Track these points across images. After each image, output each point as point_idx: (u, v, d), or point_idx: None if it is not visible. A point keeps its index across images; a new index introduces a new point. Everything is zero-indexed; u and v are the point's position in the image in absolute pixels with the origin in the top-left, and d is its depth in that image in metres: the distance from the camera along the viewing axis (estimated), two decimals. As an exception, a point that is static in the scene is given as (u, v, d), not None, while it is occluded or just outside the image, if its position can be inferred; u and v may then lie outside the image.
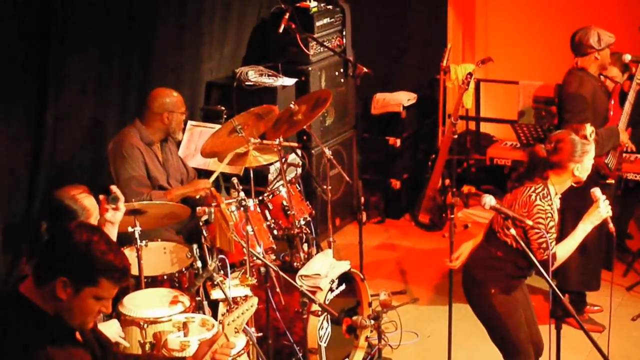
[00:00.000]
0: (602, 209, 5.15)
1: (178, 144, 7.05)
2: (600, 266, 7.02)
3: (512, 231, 4.91)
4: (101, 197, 5.39)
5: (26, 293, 3.47)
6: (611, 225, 5.22)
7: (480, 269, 5.33)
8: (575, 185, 5.24)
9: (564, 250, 5.15)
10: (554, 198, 5.15)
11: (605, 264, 7.31)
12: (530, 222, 4.98)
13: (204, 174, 7.16)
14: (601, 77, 6.92)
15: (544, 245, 5.03)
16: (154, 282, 5.87)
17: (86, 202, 5.12)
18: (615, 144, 6.76)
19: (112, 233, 5.33)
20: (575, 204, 5.78)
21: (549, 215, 5.05)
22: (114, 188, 5.44)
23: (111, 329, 5.13)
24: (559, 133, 5.25)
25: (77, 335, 3.60)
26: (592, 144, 5.19)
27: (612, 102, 6.93)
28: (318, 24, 8.31)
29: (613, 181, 6.81)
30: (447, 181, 8.71)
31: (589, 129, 5.20)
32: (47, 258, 3.47)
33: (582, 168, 5.15)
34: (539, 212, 5.04)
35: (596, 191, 5.20)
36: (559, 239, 5.21)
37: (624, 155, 7.48)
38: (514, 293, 5.31)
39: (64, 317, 3.46)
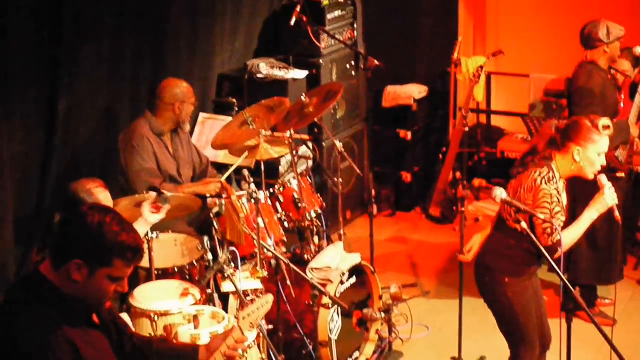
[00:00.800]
0: (607, 197, 5.09)
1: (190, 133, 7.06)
2: (613, 259, 7.00)
3: (523, 224, 4.89)
4: (153, 193, 5.42)
5: (46, 273, 3.51)
6: (617, 213, 5.17)
7: (493, 257, 5.32)
8: (582, 177, 5.22)
9: (569, 237, 5.10)
10: (559, 181, 5.12)
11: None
12: (542, 215, 4.97)
13: (214, 166, 7.17)
14: (612, 70, 6.92)
15: (549, 230, 5.01)
16: (165, 274, 5.88)
17: (101, 196, 5.16)
18: (626, 138, 6.74)
19: (142, 231, 5.38)
20: (586, 193, 5.76)
21: (555, 200, 5.02)
22: (167, 193, 5.56)
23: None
24: (575, 116, 5.23)
25: (95, 317, 3.64)
26: (602, 136, 5.11)
27: (623, 95, 6.92)
28: (329, 16, 8.31)
29: (623, 175, 6.80)
30: (458, 174, 8.71)
31: (605, 121, 5.16)
32: (62, 241, 3.51)
33: (584, 155, 5.07)
34: (545, 196, 5.01)
35: (602, 178, 5.16)
36: (568, 225, 5.20)
37: (635, 148, 7.46)
38: (527, 283, 5.31)
39: (81, 299, 3.49)
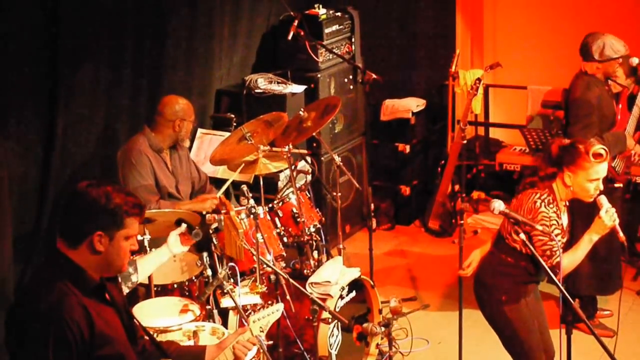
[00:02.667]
0: (605, 219, 5.08)
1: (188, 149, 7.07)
2: (613, 269, 7.00)
3: (522, 236, 4.90)
4: (184, 227, 5.44)
5: (62, 250, 3.80)
6: (621, 234, 5.15)
7: (490, 275, 5.33)
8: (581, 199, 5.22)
9: (569, 260, 5.09)
10: (559, 203, 5.13)
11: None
12: (540, 227, 4.98)
13: (213, 181, 7.18)
14: (609, 81, 6.92)
15: (548, 252, 5.02)
16: (164, 290, 5.90)
17: None
18: (622, 149, 6.75)
19: (162, 260, 5.35)
20: (586, 210, 5.75)
21: (554, 222, 5.03)
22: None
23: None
24: (575, 138, 5.22)
25: (107, 295, 3.91)
26: (592, 163, 5.04)
27: (620, 106, 6.93)
28: (327, 30, 8.33)
29: (621, 185, 6.80)
30: (457, 187, 8.71)
31: (597, 149, 5.05)
32: (76, 221, 3.80)
33: (575, 181, 5.07)
34: (543, 218, 5.02)
35: (601, 198, 5.14)
36: (569, 244, 5.20)
37: (633, 159, 7.48)
38: (525, 299, 5.31)
39: (104, 268, 3.85)
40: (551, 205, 5.06)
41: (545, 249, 5.02)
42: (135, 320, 4.10)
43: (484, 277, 5.36)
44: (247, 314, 5.67)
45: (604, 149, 5.12)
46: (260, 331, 4.41)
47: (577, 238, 5.24)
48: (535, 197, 5.09)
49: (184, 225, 5.50)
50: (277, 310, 4.53)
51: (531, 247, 4.93)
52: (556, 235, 5.01)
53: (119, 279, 5.22)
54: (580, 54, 6.78)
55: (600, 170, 5.09)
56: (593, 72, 6.71)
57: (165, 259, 5.41)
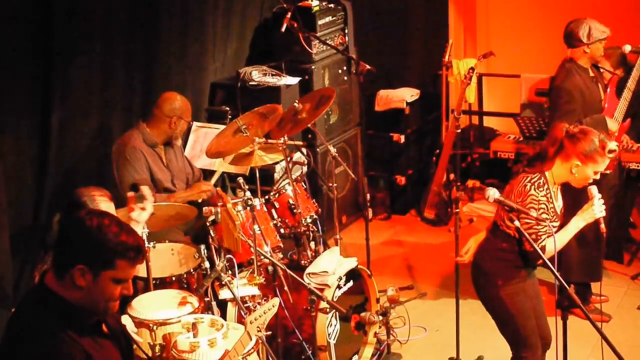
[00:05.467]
0: (596, 209, 5.14)
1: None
2: (600, 257, 7.05)
3: (517, 223, 4.92)
4: (130, 194, 5.47)
5: (51, 285, 3.49)
6: (603, 226, 5.20)
7: (487, 260, 5.37)
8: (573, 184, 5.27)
9: (554, 244, 5.10)
10: (551, 187, 5.15)
11: (615, 255, 7.36)
12: (534, 214, 5.01)
13: (209, 174, 7.20)
14: (598, 69, 6.97)
15: (533, 236, 5.05)
16: (163, 283, 5.90)
17: (102, 205, 5.19)
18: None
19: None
20: (572, 193, 5.80)
21: (542, 206, 5.07)
22: (143, 188, 5.57)
23: (124, 326, 5.19)
24: (589, 129, 5.23)
25: (104, 327, 3.62)
26: (604, 158, 5.13)
27: (608, 91, 6.97)
28: (320, 22, 8.33)
29: (609, 171, 6.83)
30: (452, 176, 8.76)
31: (612, 146, 5.15)
32: (62, 249, 3.49)
33: (582, 171, 5.12)
34: (532, 202, 5.06)
35: (593, 189, 5.20)
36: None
37: (624, 144, 7.52)
38: (521, 284, 5.34)
39: (88, 306, 3.47)
40: (541, 189, 5.10)
41: (531, 232, 5.05)
42: (131, 341, 3.92)
43: (481, 262, 5.40)
44: (244, 305, 5.70)
45: (617, 144, 5.20)
46: (258, 331, 4.38)
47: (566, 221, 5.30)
48: (525, 180, 5.13)
49: (131, 193, 5.53)
50: (272, 306, 4.49)
51: (525, 234, 4.94)
52: (544, 220, 5.05)
53: None
54: (565, 42, 6.83)
55: (606, 164, 5.18)
56: (578, 57, 6.78)
57: (140, 230, 5.44)
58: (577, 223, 5.19)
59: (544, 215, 5.06)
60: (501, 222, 5.25)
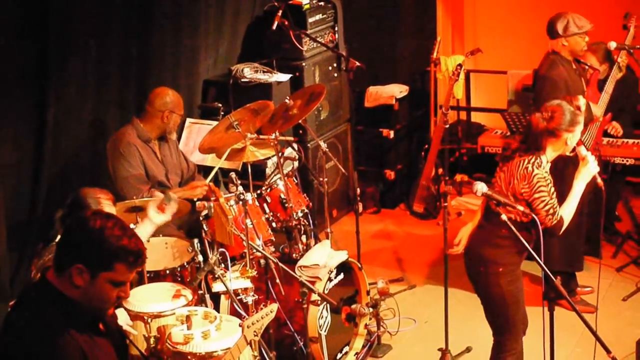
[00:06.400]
0: (590, 165, 5.30)
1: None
2: (581, 247, 7.12)
3: (504, 217, 4.96)
4: (160, 194, 5.53)
5: (51, 279, 3.53)
6: (599, 180, 5.35)
7: (486, 248, 5.37)
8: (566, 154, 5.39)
9: (567, 210, 5.27)
10: (546, 166, 5.26)
11: (593, 251, 7.42)
12: (521, 208, 5.09)
13: (202, 169, 7.24)
14: (580, 64, 7.05)
15: (551, 211, 5.16)
16: (157, 276, 5.93)
17: (107, 209, 5.25)
18: (589, 117, 6.79)
19: (148, 231, 5.48)
20: (560, 167, 5.92)
21: (549, 181, 5.18)
22: (170, 192, 5.64)
23: (119, 318, 5.20)
24: (553, 103, 5.34)
25: (101, 325, 3.65)
26: (582, 115, 5.32)
27: (590, 87, 7.07)
28: (310, 20, 8.38)
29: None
30: (440, 170, 8.73)
31: (581, 100, 5.32)
32: (64, 246, 3.54)
33: (574, 137, 5.26)
34: (540, 180, 5.15)
35: (581, 149, 5.33)
36: None
37: (611, 131, 7.61)
38: (518, 271, 5.40)
39: (84, 304, 3.51)
40: (542, 167, 5.20)
41: (548, 208, 5.16)
42: (126, 340, 3.95)
43: (480, 250, 5.40)
44: (237, 297, 5.73)
45: (583, 99, 5.47)
46: (255, 335, 4.39)
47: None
48: (525, 163, 5.21)
49: (159, 194, 5.58)
50: (270, 311, 4.49)
51: (512, 227, 4.96)
52: (553, 193, 5.17)
53: None
54: (547, 34, 6.92)
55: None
56: (559, 50, 6.86)
57: (150, 231, 5.52)
58: (579, 185, 5.32)
59: (552, 189, 5.18)
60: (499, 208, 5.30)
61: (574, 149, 5.35)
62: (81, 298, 3.50)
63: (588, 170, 5.31)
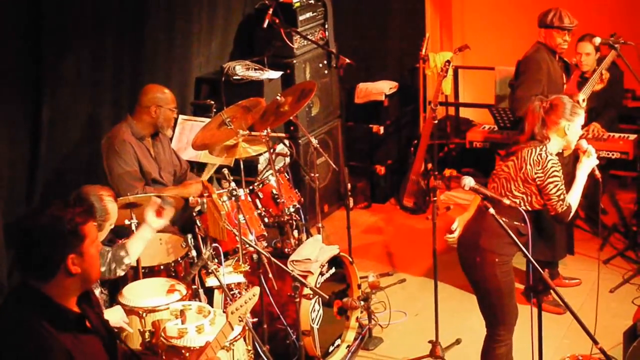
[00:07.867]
0: (593, 157, 5.43)
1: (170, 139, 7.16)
2: (560, 236, 7.17)
3: (491, 210, 4.92)
4: (157, 199, 5.58)
5: (34, 285, 3.56)
6: (597, 172, 5.48)
7: (484, 237, 5.39)
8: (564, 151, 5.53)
9: (574, 198, 5.39)
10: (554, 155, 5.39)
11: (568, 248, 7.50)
12: (507, 201, 5.14)
13: (195, 165, 7.27)
14: (561, 59, 7.16)
15: (562, 196, 5.28)
16: (151, 272, 5.94)
17: (110, 205, 5.31)
18: None
19: (146, 236, 5.54)
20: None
21: (560, 167, 5.30)
22: (168, 197, 5.69)
23: (116, 315, 5.28)
24: (554, 96, 5.49)
25: (87, 322, 3.67)
26: (582, 109, 5.44)
27: (570, 81, 7.17)
28: (301, 18, 8.42)
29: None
30: (429, 165, 8.83)
31: (581, 96, 5.40)
32: (40, 255, 3.55)
33: (573, 129, 5.36)
34: (554, 165, 5.28)
35: (582, 142, 5.46)
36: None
37: (593, 133, 7.69)
38: (511, 263, 5.44)
39: (82, 287, 3.63)
40: (551, 155, 5.32)
41: (559, 193, 5.28)
42: (114, 337, 3.94)
43: (478, 239, 5.41)
44: (230, 292, 5.79)
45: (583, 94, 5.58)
46: (239, 321, 4.38)
47: None
48: (535, 151, 5.31)
49: (157, 200, 5.61)
50: (253, 295, 4.46)
51: (500, 221, 4.90)
52: (562, 179, 5.30)
53: (99, 289, 5.39)
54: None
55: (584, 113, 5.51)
56: (541, 39, 7.00)
57: (149, 236, 5.56)
58: (582, 175, 5.45)
59: (562, 176, 5.31)
60: (505, 194, 5.37)
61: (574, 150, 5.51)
62: (78, 283, 3.60)
63: (590, 162, 5.43)
